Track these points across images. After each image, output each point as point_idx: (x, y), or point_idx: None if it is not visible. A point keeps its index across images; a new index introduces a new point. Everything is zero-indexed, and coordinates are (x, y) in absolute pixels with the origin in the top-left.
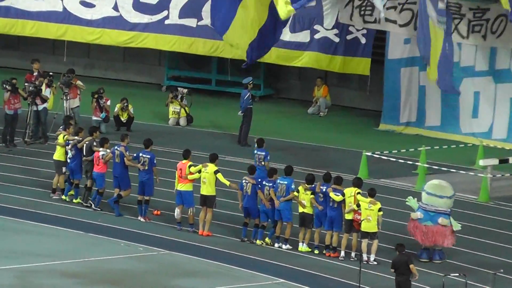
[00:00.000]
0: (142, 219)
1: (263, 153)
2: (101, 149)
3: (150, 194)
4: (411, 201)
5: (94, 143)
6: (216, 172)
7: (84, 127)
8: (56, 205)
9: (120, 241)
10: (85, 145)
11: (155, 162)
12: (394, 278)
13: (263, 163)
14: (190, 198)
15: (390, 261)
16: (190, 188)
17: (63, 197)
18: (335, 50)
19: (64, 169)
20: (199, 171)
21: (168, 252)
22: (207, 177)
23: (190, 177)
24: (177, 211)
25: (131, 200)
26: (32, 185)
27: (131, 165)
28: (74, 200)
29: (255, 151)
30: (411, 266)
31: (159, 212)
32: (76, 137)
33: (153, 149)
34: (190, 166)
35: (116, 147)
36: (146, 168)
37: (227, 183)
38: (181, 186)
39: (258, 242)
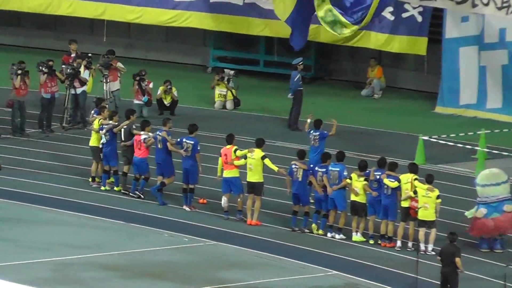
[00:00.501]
0: (187, 208)
1: (318, 133)
2: (142, 132)
3: (194, 182)
4: (469, 212)
5: (134, 126)
6: (263, 158)
7: (123, 111)
8: (95, 194)
9: (164, 232)
10: (123, 129)
11: (198, 148)
12: (440, 267)
13: (317, 144)
14: (238, 185)
15: None
16: (237, 174)
17: (102, 187)
18: (390, 29)
19: (101, 155)
20: (245, 157)
21: (214, 242)
22: (253, 163)
23: (236, 162)
24: (224, 200)
25: (175, 188)
26: (70, 173)
27: (174, 150)
28: (115, 188)
29: (311, 131)
30: (457, 259)
31: (205, 201)
32: (110, 122)
33: (198, 134)
34: (235, 151)
35: (158, 132)
36: (189, 154)
37: (275, 168)
38: (227, 173)
39: (313, 226)
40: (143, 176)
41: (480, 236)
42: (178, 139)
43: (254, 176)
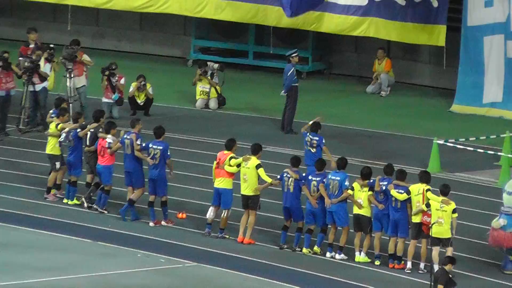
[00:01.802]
0: (151, 224)
1: (317, 138)
2: (108, 136)
3: (163, 193)
4: (496, 222)
5: (100, 130)
6: (257, 167)
7: (90, 111)
8: (56, 208)
9: (137, 251)
10: (89, 133)
11: (169, 153)
12: None
13: (314, 150)
14: (229, 198)
15: (468, 274)
16: (230, 186)
17: (66, 200)
18: (401, 15)
19: (58, 164)
20: (238, 165)
21: (196, 264)
22: (248, 173)
23: (227, 168)
24: (210, 211)
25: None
26: (27, 183)
27: (141, 157)
28: (69, 202)
29: (308, 134)
30: (439, 286)
31: (184, 215)
32: (73, 124)
33: (173, 138)
34: (231, 159)
35: (125, 136)
36: (157, 162)
37: (269, 180)
38: (219, 182)
39: (304, 250)
40: (105, 188)
41: (496, 247)
42: (144, 144)
43: (249, 188)
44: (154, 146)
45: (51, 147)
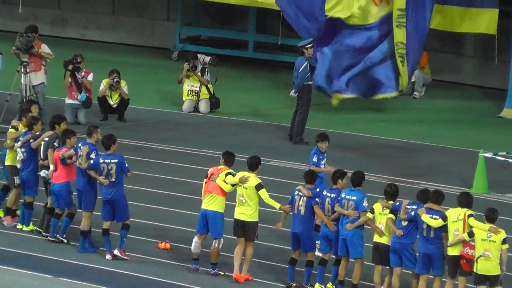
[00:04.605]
0: (108, 256)
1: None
2: (66, 148)
3: (126, 217)
4: None
5: (57, 140)
6: (258, 188)
7: (51, 115)
8: (8, 235)
9: None
10: (42, 143)
11: (127, 165)
12: None
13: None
14: (219, 224)
15: None
16: (221, 209)
17: (21, 226)
18: None
19: (17, 179)
20: (234, 185)
21: None
22: (246, 194)
23: (220, 182)
24: (195, 242)
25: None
26: None
27: (91, 175)
28: (24, 227)
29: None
30: None
31: (167, 245)
32: (30, 133)
33: (144, 147)
34: (227, 174)
35: (80, 145)
36: (114, 179)
37: (277, 205)
38: (208, 202)
39: (317, 287)
40: (69, 210)
41: None
42: (92, 161)
43: (246, 212)
44: (107, 161)
45: (12, 157)
